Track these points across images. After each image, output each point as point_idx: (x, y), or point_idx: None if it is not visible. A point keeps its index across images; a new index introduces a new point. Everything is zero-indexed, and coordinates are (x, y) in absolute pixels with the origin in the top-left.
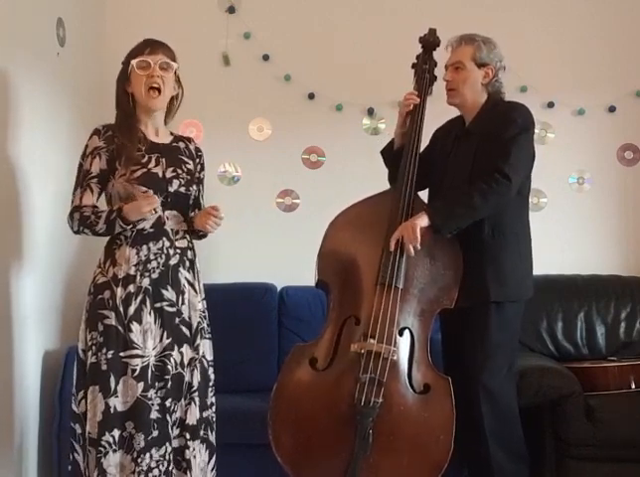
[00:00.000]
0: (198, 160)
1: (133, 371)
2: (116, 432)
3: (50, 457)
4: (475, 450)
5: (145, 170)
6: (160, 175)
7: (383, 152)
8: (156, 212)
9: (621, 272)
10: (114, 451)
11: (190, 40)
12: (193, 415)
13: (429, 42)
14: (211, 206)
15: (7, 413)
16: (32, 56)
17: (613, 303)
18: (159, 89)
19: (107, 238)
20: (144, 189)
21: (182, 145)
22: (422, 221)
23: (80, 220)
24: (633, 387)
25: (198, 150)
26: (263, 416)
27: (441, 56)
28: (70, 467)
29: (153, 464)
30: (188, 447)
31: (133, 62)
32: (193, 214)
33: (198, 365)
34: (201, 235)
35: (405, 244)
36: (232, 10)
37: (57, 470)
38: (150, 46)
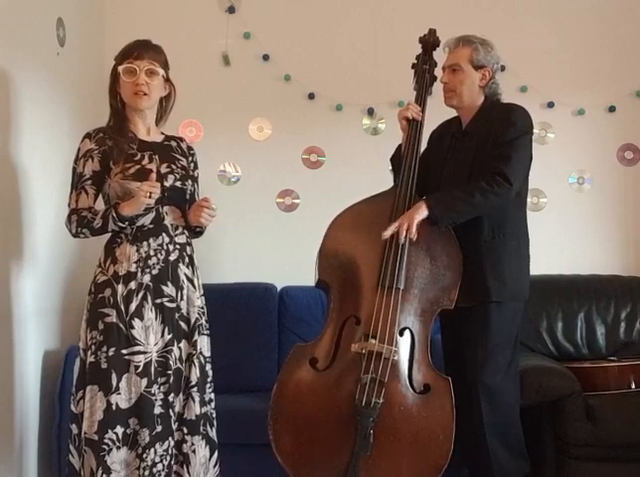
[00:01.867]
0: (190, 158)
1: (136, 367)
2: (119, 429)
3: (50, 457)
4: (475, 449)
5: (139, 166)
6: (155, 171)
7: (392, 159)
8: (151, 197)
9: (621, 272)
10: (118, 448)
11: (190, 40)
12: (192, 411)
13: (429, 42)
14: (202, 198)
15: (7, 413)
16: (32, 56)
17: (613, 303)
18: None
19: (107, 237)
20: (153, 178)
21: (174, 144)
22: (421, 213)
23: (78, 221)
24: (633, 387)
25: (190, 148)
26: (263, 416)
27: (441, 56)
28: (67, 469)
29: (157, 459)
30: (185, 442)
31: (120, 68)
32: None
33: (196, 361)
34: (197, 231)
35: (401, 232)
36: (232, 10)
37: (57, 470)
38: (138, 49)
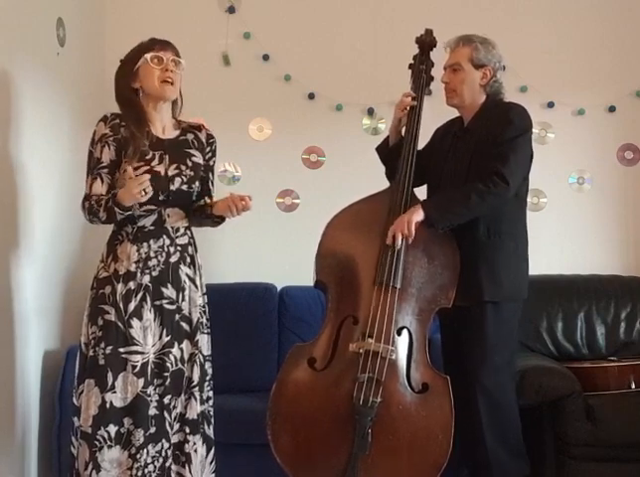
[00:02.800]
0: (209, 148)
1: (134, 367)
2: (112, 428)
3: (50, 457)
4: (475, 449)
5: (148, 168)
6: (162, 173)
7: (378, 149)
8: (146, 193)
9: (621, 272)
10: (109, 447)
11: (190, 40)
12: (193, 410)
13: (426, 42)
14: (246, 196)
15: (8, 413)
16: (32, 56)
17: (613, 303)
18: (172, 83)
19: (110, 234)
20: (132, 173)
21: (190, 136)
22: (418, 215)
23: (89, 208)
24: (633, 387)
25: (209, 137)
26: (263, 416)
27: (439, 56)
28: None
29: (149, 460)
30: (188, 442)
31: (147, 56)
32: (210, 200)
33: (197, 360)
34: (216, 221)
35: (396, 237)
36: (232, 10)
37: (57, 470)
38: (159, 43)
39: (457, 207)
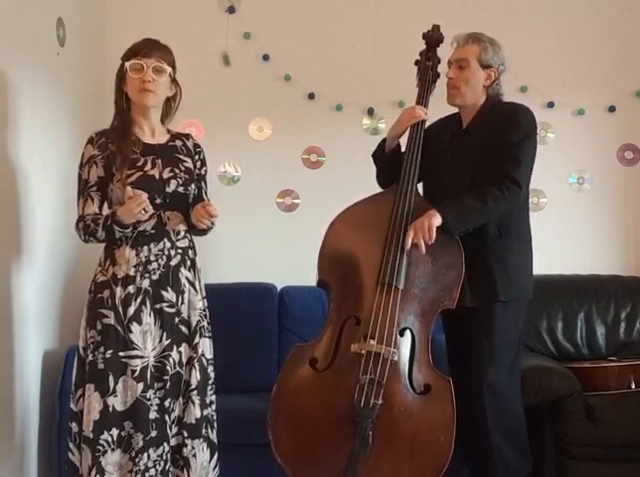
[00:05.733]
0: (197, 156)
1: (133, 371)
2: (115, 432)
3: (50, 457)
4: (479, 448)
5: (141, 173)
6: (157, 177)
7: (374, 156)
8: (146, 211)
9: (621, 272)
10: (113, 450)
11: (190, 40)
12: (192, 414)
13: (433, 38)
14: (206, 203)
15: (7, 413)
16: (32, 56)
17: (613, 303)
18: (152, 91)
19: None
20: (130, 192)
21: (179, 143)
22: (437, 220)
23: (84, 229)
24: (633, 387)
25: (196, 146)
26: (263, 416)
27: (444, 53)
28: (66, 467)
29: (150, 464)
30: (186, 445)
31: (127, 64)
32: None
33: (197, 364)
34: (200, 228)
35: (417, 241)
36: (232, 10)
37: (57, 470)
38: (146, 47)
39: (474, 213)
